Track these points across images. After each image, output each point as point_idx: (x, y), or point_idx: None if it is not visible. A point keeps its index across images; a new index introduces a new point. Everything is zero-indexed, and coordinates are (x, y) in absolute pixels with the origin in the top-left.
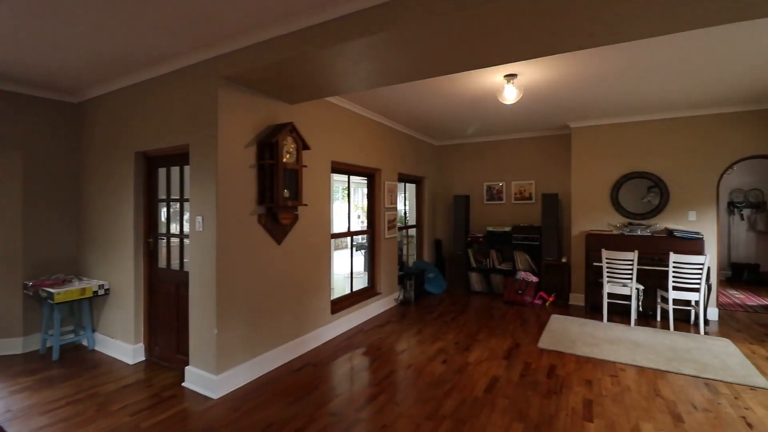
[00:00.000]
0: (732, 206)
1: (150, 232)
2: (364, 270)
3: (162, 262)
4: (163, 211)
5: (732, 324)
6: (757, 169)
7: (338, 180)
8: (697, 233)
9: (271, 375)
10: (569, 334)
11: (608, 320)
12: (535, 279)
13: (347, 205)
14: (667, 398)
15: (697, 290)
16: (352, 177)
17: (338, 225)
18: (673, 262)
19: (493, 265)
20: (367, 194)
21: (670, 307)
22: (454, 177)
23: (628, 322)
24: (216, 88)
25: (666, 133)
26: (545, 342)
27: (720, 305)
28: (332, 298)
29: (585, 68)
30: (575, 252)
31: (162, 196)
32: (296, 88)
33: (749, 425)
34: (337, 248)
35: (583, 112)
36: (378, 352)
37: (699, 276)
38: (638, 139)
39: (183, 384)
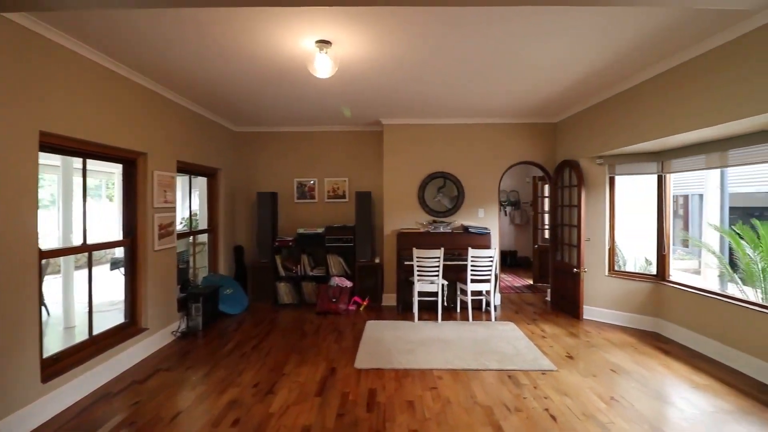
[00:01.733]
0: (498, 204)
1: None
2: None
3: None
4: None
5: (510, 306)
6: (515, 174)
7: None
8: (486, 228)
9: None
10: (385, 342)
11: (419, 319)
12: (349, 284)
13: (83, 204)
14: (483, 404)
15: (488, 281)
16: (97, 163)
17: (74, 234)
18: (471, 257)
19: (305, 272)
20: (124, 188)
21: (469, 298)
22: (259, 171)
23: (436, 318)
24: None
25: (463, 137)
26: (363, 359)
27: (500, 290)
28: (48, 355)
29: (396, 50)
30: (387, 251)
31: None
32: None
33: (553, 418)
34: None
35: (394, 109)
36: (130, 429)
37: (490, 267)
38: (441, 141)
39: None
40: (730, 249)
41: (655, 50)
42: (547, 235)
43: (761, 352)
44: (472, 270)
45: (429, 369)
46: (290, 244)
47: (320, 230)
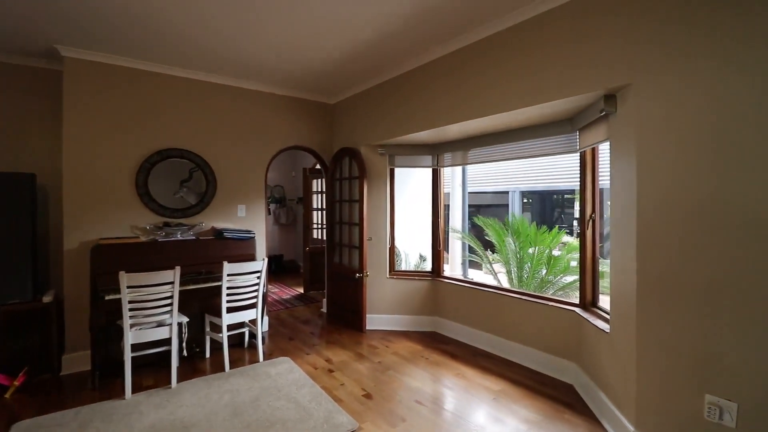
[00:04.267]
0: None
1: None
2: None
3: None
4: None
5: (282, 331)
6: (280, 166)
7: None
8: (249, 232)
9: None
10: None
11: (135, 390)
12: None
13: None
14: None
15: (254, 305)
16: None
17: None
18: (228, 275)
19: None
20: None
21: (225, 336)
22: None
23: (169, 381)
24: None
25: (219, 102)
26: None
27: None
28: None
29: None
30: (71, 280)
31: None
32: None
33: None
34: None
35: (90, 30)
36: None
37: (256, 286)
38: (182, 102)
39: None
40: (486, 240)
41: (429, 33)
42: (318, 234)
43: (529, 340)
44: (229, 294)
45: None
46: None
47: None
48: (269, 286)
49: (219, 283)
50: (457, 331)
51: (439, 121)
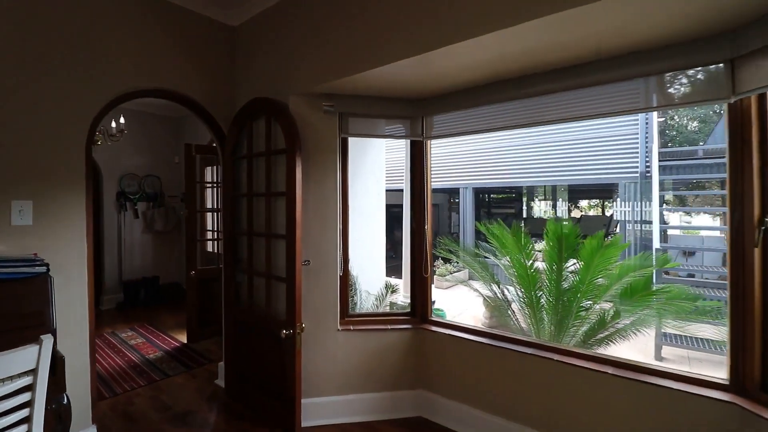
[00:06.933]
0: (123, 198)
1: None
2: None
3: None
4: None
5: None
6: (153, 146)
7: None
8: (32, 262)
9: None
10: None
11: None
12: None
13: None
14: None
15: None
16: None
17: None
18: None
19: None
20: None
21: None
22: None
23: None
24: None
25: None
26: None
27: (111, 393)
28: None
29: None
30: None
31: None
32: None
33: None
34: None
35: None
36: None
37: (26, 412)
38: None
39: None
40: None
41: None
42: (215, 248)
43: None
44: None
45: None
46: None
47: None
48: (128, 331)
49: None
50: (464, 417)
51: (446, 35)
